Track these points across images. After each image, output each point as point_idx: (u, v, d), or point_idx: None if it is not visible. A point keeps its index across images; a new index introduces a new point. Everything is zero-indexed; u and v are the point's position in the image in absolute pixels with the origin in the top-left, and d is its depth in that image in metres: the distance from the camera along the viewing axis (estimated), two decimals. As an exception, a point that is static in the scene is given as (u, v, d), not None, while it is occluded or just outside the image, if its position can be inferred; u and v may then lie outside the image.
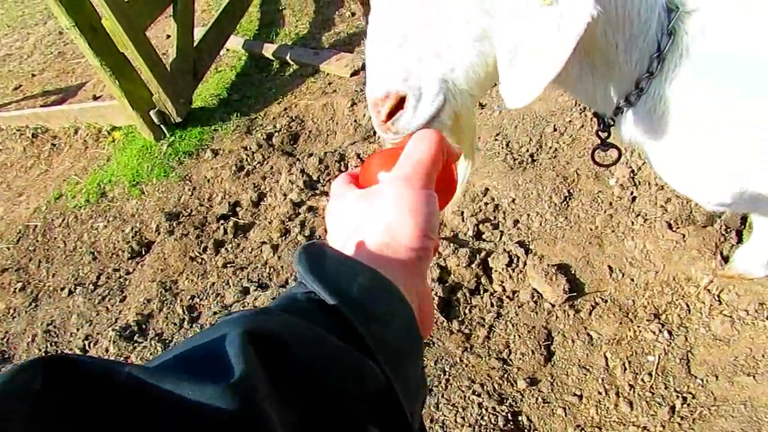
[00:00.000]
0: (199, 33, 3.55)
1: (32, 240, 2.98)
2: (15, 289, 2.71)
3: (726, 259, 1.68)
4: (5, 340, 2.46)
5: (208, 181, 2.95)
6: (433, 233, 0.45)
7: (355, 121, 2.91)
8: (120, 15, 2.75)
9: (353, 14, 3.91)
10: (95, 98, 4.28)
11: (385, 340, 0.38)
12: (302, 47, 3.73)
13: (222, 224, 2.64)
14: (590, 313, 1.75)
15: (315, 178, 2.67)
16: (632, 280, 1.77)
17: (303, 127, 3.13)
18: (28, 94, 4.87)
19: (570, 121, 2.33)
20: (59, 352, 2.30)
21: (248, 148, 3.03)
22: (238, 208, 2.76)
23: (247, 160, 2.98)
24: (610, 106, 1.01)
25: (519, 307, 1.83)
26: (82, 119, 3.57)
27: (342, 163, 2.71)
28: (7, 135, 3.89)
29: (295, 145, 3.06)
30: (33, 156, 3.68)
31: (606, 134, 1.14)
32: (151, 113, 3.11)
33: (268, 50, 3.74)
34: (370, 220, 0.45)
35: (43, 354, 2.30)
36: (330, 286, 0.38)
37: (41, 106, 4.52)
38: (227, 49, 3.98)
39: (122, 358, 2.05)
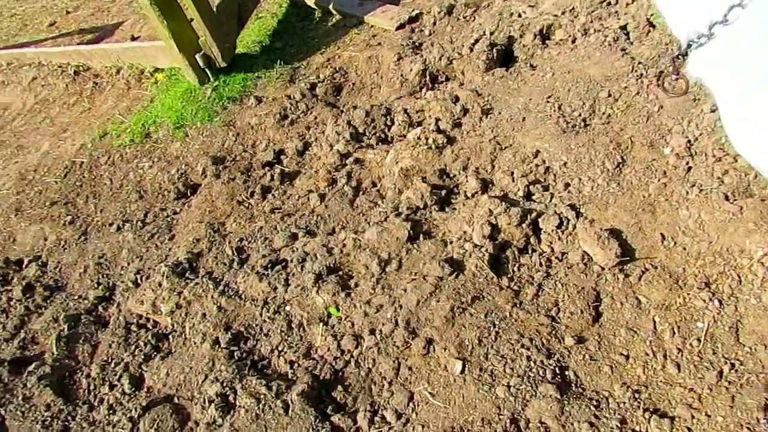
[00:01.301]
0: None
1: (79, 176, 3.01)
2: (65, 221, 2.76)
3: (781, 233, 1.69)
4: (58, 269, 2.52)
5: (252, 127, 2.95)
6: None
7: (402, 75, 2.88)
8: (173, -47, 2.70)
9: (397, -34, 3.80)
10: (133, 38, 4.23)
11: None
12: (346, -3, 3.65)
13: (268, 171, 2.66)
14: (640, 279, 1.76)
15: (361, 130, 2.66)
16: (684, 248, 1.78)
17: (346, 78, 3.10)
18: (64, 31, 4.82)
19: (625, 87, 2.29)
20: (111, 284, 2.37)
21: (292, 97, 3.01)
22: (282, 156, 2.77)
23: (290, 108, 2.96)
24: (692, 29, 0.97)
25: (568, 268, 1.85)
26: (125, 59, 3.55)
27: (388, 117, 2.70)
28: (49, 71, 3.88)
29: (338, 97, 3.04)
30: (75, 93, 3.68)
31: (681, 60, 1.09)
32: (197, 56, 3.08)
33: (311, -1, 3.67)
34: None
35: (96, 284, 2.38)
36: None
37: (78, 44, 4.49)
38: (268, -5, 3.90)
39: (175, 293, 2.11)
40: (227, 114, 3.06)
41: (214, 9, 3.09)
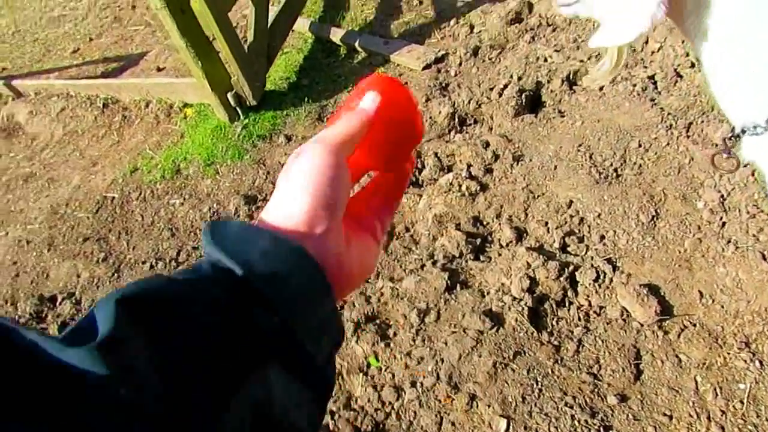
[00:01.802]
0: (270, 14, 3.54)
1: (111, 211, 3.05)
2: (98, 258, 2.79)
3: (820, 296, 1.71)
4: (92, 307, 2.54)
5: (282, 166, 2.98)
6: (327, 208, 0.43)
7: (430, 117, 2.92)
8: (209, -2, 2.77)
9: (421, 2, 3.88)
10: (159, 69, 4.30)
11: (281, 291, 0.39)
12: (370, 35, 3.71)
13: (299, 212, 2.69)
14: (679, 336, 1.79)
15: (391, 172, 2.70)
16: (722, 306, 1.81)
17: (374, 118, 3.14)
18: (88, 59, 4.89)
19: (655, 138, 2.34)
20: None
21: (321, 135, 3.05)
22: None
23: (320, 147, 3.00)
24: (748, 118, 0.93)
25: (607, 323, 1.87)
26: (154, 93, 3.60)
27: (419, 160, 2.74)
28: (78, 102, 3.94)
29: (366, 136, 3.09)
30: (104, 126, 3.73)
31: (733, 141, 1.04)
32: (229, 95, 3.14)
33: (336, 35, 3.73)
34: (282, 182, 0.45)
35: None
36: (227, 251, 0.39)
37: (102, 72, 4.56)
38: (293, 31, 3.97)
39: (214, 339, 2.13)
40: (257, 152, 3.10)
41: (246, 49, 3.15)
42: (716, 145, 2.24)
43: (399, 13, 3.85)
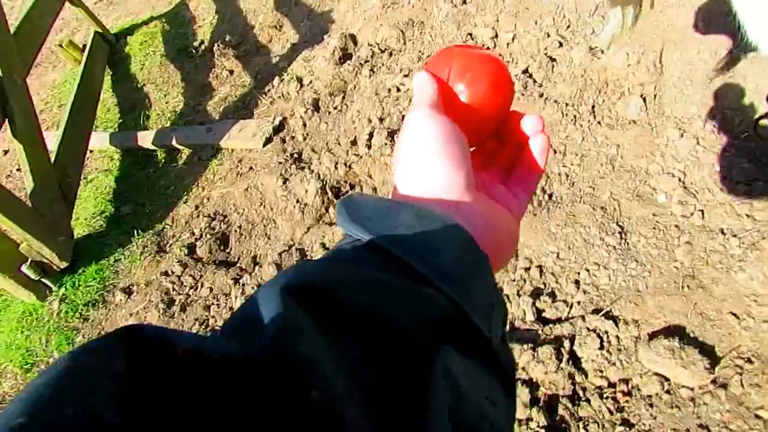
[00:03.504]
0: (50, 142, 2.66)
1: None
2: None
3: None
4: None
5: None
6: (463, 169, 0.39)
7: (298, 201, 2.25)
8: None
9: (231, 72, 3.21)
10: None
11: (441, 266, 0.34)
12: (187, 126, 2.96)
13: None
14: (742, 384, 1.28)
15: (278, 290, 1.98)
16: None
17: (229, 224, 2.40)
18: None
19: (567, 136, 1.88)
20: None
21: (169, 272, 2.25)
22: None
23: (174, 289, 2.20)
24: None
25: (648, 404, 1.32)
26: None
27: (309, 252, 2.05)
28: None
29: (228, 250, 2.33)
30: None
31: None
32: (24, 268, 2.21)
33: (146, 139, 2.93)
34: (401, 158, 0.41)
35: None
36: (372, 229, 0.35)
37: None
38: (91, 151, 3.09)
39: None
40: (90, 326, 2.20)
41: (27, 201, 2.26)
42: (633, 122, 1.83)
43: (210, 90, 3.14)
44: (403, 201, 0.37)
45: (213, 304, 2.09)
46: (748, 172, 1.53)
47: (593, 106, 1.92)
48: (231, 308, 2.02)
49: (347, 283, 0.31)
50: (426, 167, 0.39)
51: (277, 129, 2.63)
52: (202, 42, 3.53)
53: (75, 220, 2.64)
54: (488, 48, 2.32)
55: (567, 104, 1.95)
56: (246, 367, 0.25)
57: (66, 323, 2.23)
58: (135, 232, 2.48)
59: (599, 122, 1.88)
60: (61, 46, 3.66)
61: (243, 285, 2.06)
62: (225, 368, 0.25)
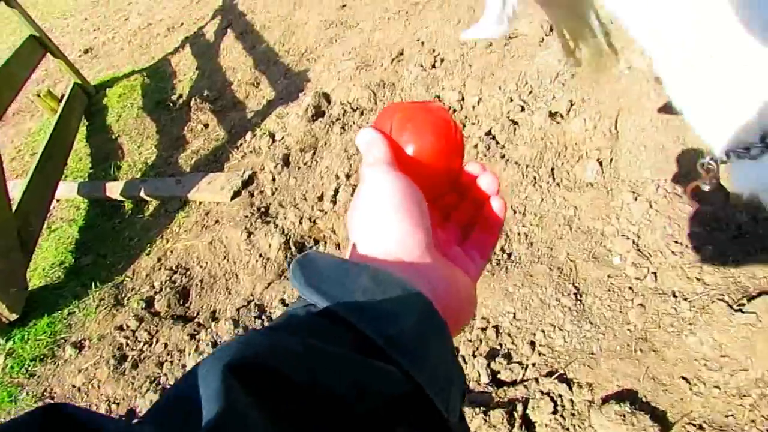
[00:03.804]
0: (15, 190, 2.63)
1: None
2: None
3: (816, 331, 1.30)
4: None
5: (79, 390, 2.03)
6: (422, 226, 0.38)
7: (261, 255, 2.22)
8: None
9: (206, 126, 3.24)
10: None
11: (398, 336, 0.32)
12: (157, 177, 2.96)
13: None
14: (695, 453, 1.25)
15: (234, 347, 1.92)
16: (719, 387, 1.31)
17: (190, 277, 2.35)
18: None
19: (527, 197, 1.90)
20: None
21: (125, 327, 2.18)
22: (135, 418, 1.89)
23: (127, 344, 2.12)
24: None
25: (602, 473, 1.27)
26: None
27: (264, 316, 2.00)
28: None
29: (187, 305, 2.27)
30: None
31: (713, 170, 0.77)
32: (-30, 321, 2.13)
33: (114, 190, 2.91)
34: (358, 217, 0.40)
35: None
36: (328, 293, 0.33)
37: None
38: (57, 200, 3.06)
39: None
40: (37, 382, 2.10)
41: (-19, 250, 2.20)
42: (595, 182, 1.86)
43: (184, 143, 3.16)
44: (361, 262, 0.36)
45: (167, 360, 2.01)
46: (698, 237, 1.55)
47: (552, 169, 1.96)
48: (184, 365, 1.95)
49: (296, 360, 0.29)
50: (383, 226, 0.38)
51: (246, 183, 2.63)
52: (181, 96, 3.59)
53: (32, 270, 2.57)
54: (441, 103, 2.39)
55: (527, 166, 1.99)
56: None
57: (11, 379, 2.12)
58: (93, 284, 2.41)
59: (558, 184, 1.91)
60: (39, 95, 3.68)
61: (198, 341, 2.00)
62: None
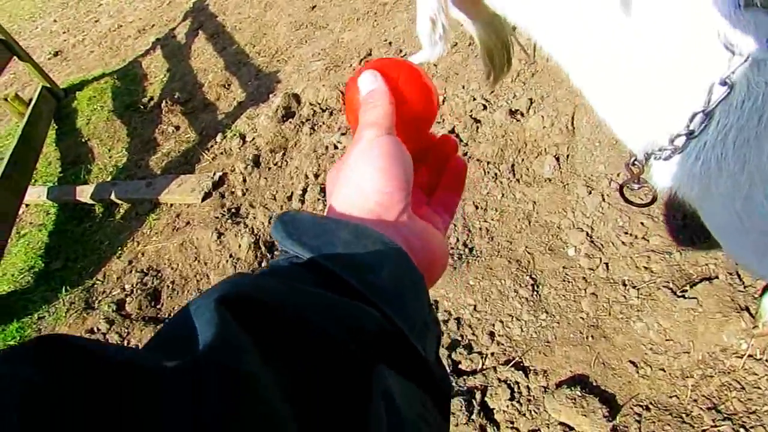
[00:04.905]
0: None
1: None
2: None
3: (752, 313, 1.39)
4: None
5: (50, 393, 2.04)
6: (404, 189, 0.40)
7: (231, 255, 2.25)
8: None
9: (177, 128, 3.25)
10: None
11: (377, 283, 0.34)
12: (128, 180, 2.96)
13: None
14: (640, 431, 1.32)
15: (204, 346, 1.95)
16: (664, 370, 1.39)
17: (162, 279, 2.37)
18: None
19: (488, 193, 1.97)
20: None
21: (95, 330, 2.19)
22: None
23: (98, 346, 2.13)
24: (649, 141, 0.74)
25: (554, 454, 1.34)
26: None
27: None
28: None
29: (158, 306, 2.29)
30: None
31: (639, 170, 0.82)
32: (-64, 327, 2.12)
33: (84, 193, 2.91)
34: (345, 177, 0.41)
35: None
36: (309, 245, 0.35)
37: None
38: (27, 205, 3.04)
39: None
40: (7, 387, 2.10)
41: (-54, 256, 2.19)
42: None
43: (155, 146, 3.17)
44: (342, 219, 0.38)
45: (137, 361, 2.03)
46: (646, 228, 1.63)
47: (513, 165, 2.03)
48: (154, 366, 1.97)
49: (283, 296, 0.31)
50: (370, 189, 0.39)
51: (217, 184, 2.66)
52: (151, 98, 3.59)
53: (1, 276, 2.57)
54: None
55: (489, 163, 2.06)
56: (177, 380, 0.24)
57: (-20, 384, 2.12)
58: (63, 288, 2.42)
59: (518, 180, 1.98)
60: (6, 99, 3.65)
61: (169, 341, 2.02)
62: (155, 380, 0.24)
